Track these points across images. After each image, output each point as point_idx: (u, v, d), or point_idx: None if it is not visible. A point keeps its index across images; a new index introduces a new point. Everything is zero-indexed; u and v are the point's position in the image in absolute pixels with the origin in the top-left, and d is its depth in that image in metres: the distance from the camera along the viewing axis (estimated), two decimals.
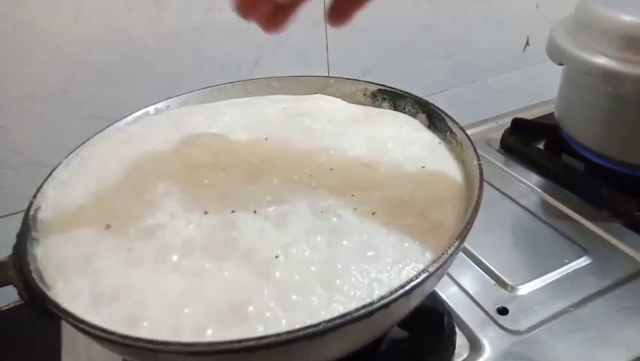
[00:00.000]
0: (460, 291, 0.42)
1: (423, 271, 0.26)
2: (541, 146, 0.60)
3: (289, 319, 0.26)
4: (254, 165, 0.36)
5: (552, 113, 0.59)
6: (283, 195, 0.33)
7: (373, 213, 0.32)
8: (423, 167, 0.36)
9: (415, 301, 0.29)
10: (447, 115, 0.40)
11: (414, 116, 0.42)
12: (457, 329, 0.38)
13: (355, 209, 0.32)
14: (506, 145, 0.60)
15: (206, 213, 0.32)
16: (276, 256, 0.29)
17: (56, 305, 0.26)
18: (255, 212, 0.32)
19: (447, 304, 0.40)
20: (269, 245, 0.30)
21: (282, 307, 0.26)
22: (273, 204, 0.32)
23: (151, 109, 0.43)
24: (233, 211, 0.32)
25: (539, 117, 0.64)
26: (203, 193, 0.34)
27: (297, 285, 0.27)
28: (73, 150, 0.38)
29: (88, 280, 0.28)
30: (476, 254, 0.45)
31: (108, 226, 0.32)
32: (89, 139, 0.39)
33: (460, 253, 0.35)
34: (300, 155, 0.38)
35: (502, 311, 0.40)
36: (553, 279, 0.42)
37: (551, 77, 0.58)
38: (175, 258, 0.29)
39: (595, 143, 0.52)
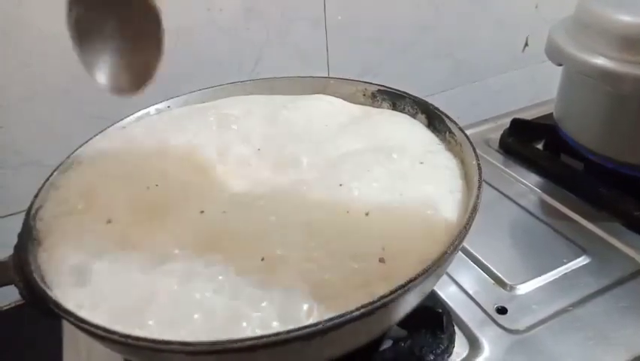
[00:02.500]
0: (460, 290, 0.42)
1: (422, 270, 0.26)
2: (540, 146, 0.60)
3: None
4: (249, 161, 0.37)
5: (551, 114, 0.59)
6: (273, 194, 0.34)
7: (367, 214, 0.32)
8: (421, 163, 0.36)
9: (414, 300, 0.29)
10: (446, 115, 0.40)
11: (413, 116, 0.43)
12: (456, 329, 0.38)
13: (348, 212, 0.32)
14: (505, 145, 0.60)
15: (202, 212, 0.32)
16: (262, 259, 0.29)
17: (57, 305, 0.26)
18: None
19: (446, 303, 0.40)
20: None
21: None
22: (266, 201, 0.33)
23: (151, 109, 0.44)
24: (224, 212, 0.32)
25: (538, 117, 0.64)
26: (201, 190, 0.34)
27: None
28: (74, 150, 0.38)
29: (89, 280, 0.29)
30: (475, 254, 0.45)
31: (109, 223, 0.32)
32: (89, 139, 0.39)
33: (460, 252, 0.35)
34: (297, 153, 0.38)
35: (502, 311, 0.40)
36: (552, 279, 0.42)
37: (550, 78, 0.58)
38: (176, 255, 0.30)
39: (594, 143, 0.52)
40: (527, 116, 0.64)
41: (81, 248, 0.30)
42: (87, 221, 0.32)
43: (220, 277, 0.28)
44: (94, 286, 0.28)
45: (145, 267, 0.29)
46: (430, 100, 0.42)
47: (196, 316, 0.26)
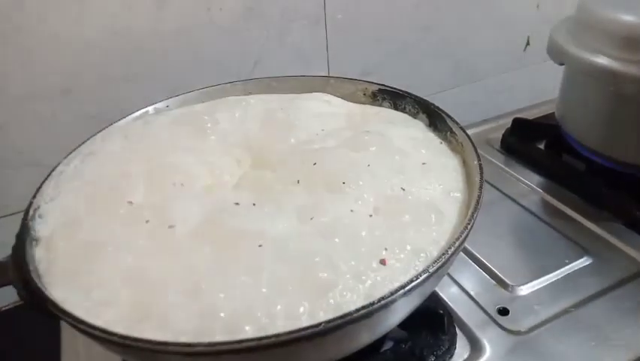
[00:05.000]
0: (461, 291, 0.42)
1: (423, 271, 0.26)
2: (541, 146, 0.60)
3: None
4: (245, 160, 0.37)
5: (553, 113, 0.58)
6: (276, 193, 0.34)
7: (370, 216, 0.32)
8: (423, 163, 0.36)
9: (415, 301, 0.29)
10: (447, 115, 0.40)
11: (414, 116, 0.42)
12: (457, 330, 0.38)
13: (352, 211, 0.32)
14: (507, 145, 0.60)
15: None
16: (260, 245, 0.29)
17: (56, 306, 0.26)
18: (254, 204, 0.32)
19: (447, 304, 0.40)
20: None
21: None
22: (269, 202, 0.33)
23: (150, 109, 0.44)
24: (237, 203, 0.32)
25: (540, 117, 0.64)
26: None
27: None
28: (73, 150, 0.38)
29: (89, 280, 0.28)
30: (477, 254, 0.45)
31: (112, 214, 0.32)
32: (88, 139, 0.39)
33: (461, 253, 0.35)
34: (295, 151, 0.38)
35: (503, 312, 0.40)
36: (554, 279, 0.42)
37: (552, 77, 0.58)
38: (178, 255, 0.29)
39: (596, 143, 0.52)
40: (528, 115, 0.64)
41: (80, 247, 0.30)
42: (86, 221, 0.32)
43: None
44: (95, 284, 0.28)
45: (147, 267, 0.29)
46: (430, 100, 0.42)
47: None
